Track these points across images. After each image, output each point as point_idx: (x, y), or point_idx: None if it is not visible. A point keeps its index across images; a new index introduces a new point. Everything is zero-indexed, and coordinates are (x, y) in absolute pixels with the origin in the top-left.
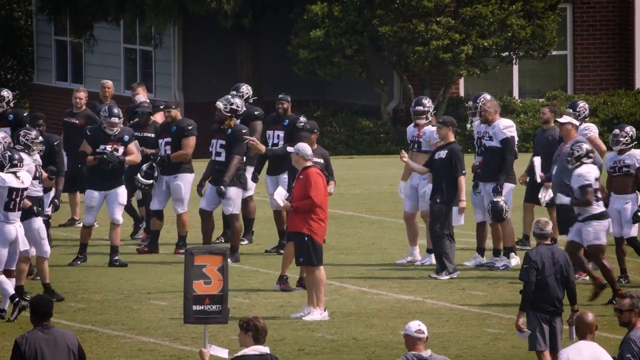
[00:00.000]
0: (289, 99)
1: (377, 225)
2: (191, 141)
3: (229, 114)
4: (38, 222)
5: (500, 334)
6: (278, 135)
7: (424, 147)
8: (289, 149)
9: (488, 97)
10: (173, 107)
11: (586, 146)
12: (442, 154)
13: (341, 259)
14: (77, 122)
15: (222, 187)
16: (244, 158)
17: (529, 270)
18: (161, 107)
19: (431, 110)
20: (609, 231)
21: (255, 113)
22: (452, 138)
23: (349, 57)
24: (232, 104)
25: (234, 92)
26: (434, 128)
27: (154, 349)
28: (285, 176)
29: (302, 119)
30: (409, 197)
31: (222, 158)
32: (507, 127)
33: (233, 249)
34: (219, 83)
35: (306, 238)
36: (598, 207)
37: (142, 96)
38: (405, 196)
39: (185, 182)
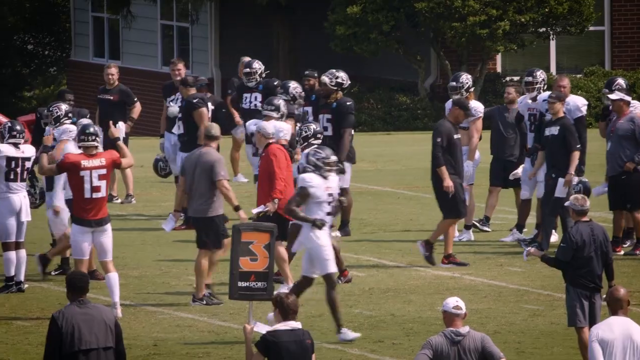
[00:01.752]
0: (315, 75)
1: (415, 202)
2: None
3: (335, 88)
4: None
5: (538, 310)
6: (307, 111)
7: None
8: (252, 127)
9: (542, 72)
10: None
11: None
12: (554, 130)
13: (379, 235)
14: (112, 98)
15: (339, 164)
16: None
17: (566, 250)
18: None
19: (466, 87)
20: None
21: (275, 83)
22: (562, 113)
23: (385, 33)
24: (337, 77)
25: (248, 70)
26: (474, 104)
27: (192, 324)
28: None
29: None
30: None
31: (329, 132)
32: (583, 104)
33: (344, 223)
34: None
35: (270, 214)
36: None
37: (182, 72)
38: None
39: None
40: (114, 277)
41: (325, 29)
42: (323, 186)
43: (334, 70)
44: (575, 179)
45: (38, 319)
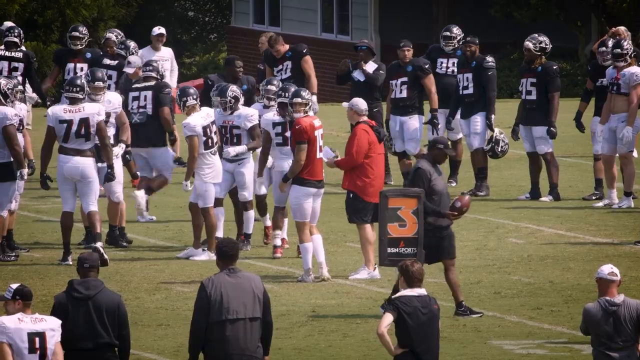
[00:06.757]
0: (477, 42)
1: (574, 168)
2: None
3: (539, 53)
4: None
5: None
6: (467, 78)
7: (623, 90)
8: (344, 104)
9: None
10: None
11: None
12: None
13: (537, 202)
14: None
15: (552, 128)
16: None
17: None
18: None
19: (630, 52)
20: None
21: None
22: None
23: None
24: (540, 42)
25: (447, 34)
26: (635, 70)
27: (350, 291)
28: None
29: (489, 58)
30: (608, 140)
31: (532, 97)
32: None
33: (552, 187)
34: (414, 25)
35: (351, 195)
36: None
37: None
38: (604, 139)
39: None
40: (318, 238)
41: None
42: None
43: (536, 35)
44: None
45: (197, 284)
